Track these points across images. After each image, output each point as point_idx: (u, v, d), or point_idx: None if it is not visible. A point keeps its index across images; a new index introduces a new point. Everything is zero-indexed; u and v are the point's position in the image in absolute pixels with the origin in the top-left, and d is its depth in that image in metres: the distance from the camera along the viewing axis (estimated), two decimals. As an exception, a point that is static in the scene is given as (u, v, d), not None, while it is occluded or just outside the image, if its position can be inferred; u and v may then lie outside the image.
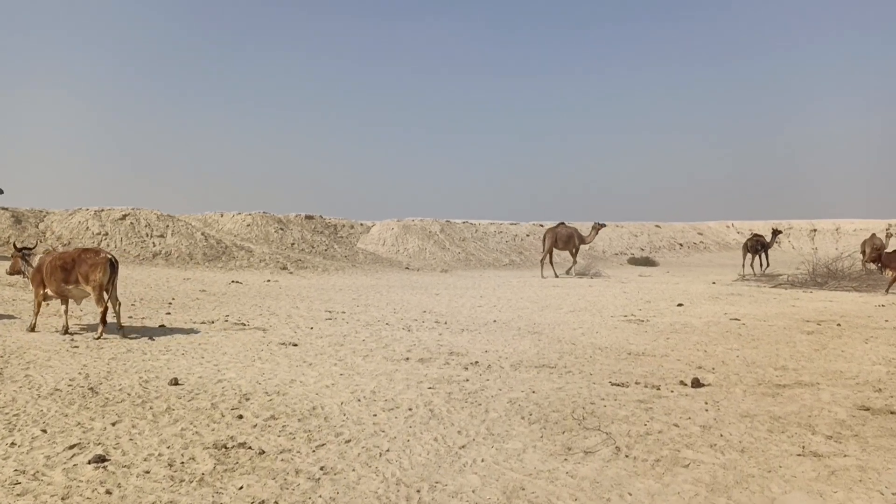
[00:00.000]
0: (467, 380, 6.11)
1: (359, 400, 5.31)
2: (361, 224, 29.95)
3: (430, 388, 5.76)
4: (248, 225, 22.27)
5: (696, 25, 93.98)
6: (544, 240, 21.69)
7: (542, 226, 38.05)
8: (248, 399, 5.28)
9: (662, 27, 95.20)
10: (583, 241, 21.72)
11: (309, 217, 26.42)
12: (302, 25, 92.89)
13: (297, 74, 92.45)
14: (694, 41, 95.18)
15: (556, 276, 20.97)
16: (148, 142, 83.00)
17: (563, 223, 21.95)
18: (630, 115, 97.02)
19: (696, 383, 5.97)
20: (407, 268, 24.18)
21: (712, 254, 39.72)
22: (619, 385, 5.95)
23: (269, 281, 16.18)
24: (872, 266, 18.84)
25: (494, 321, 10.41)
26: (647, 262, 32.53)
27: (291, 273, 18.07)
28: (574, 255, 21.94)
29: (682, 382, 6.07)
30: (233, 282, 15.28)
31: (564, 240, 21.32)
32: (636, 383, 6.04)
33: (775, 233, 23.99)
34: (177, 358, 6.86)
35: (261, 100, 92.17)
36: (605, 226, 22.73)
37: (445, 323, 10.05)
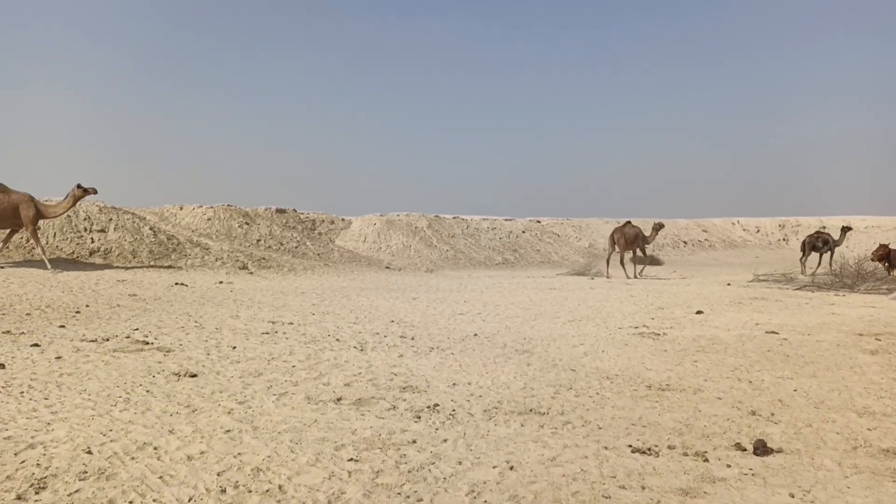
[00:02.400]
0: (414, 441, 4.06)
1: (223, 490, 3.25)
2: (343, 219, 27.74)
3: (351, 459, 3.70)
4: (209, 219, 19.96)
5: (696, 25, 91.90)
6: (611, 239, 20.64)
7: (539, 222, 36.04)
8: (41, 488, 3.21)
9: (664, 27, 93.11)
10: (646, 240, 20.75)
11: (280, 211, 24.10)
12: (279, 15, 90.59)
13: (290, 67, 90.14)
14: (694, 41, 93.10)
15: (627, 277, 20.04)
16: (120, 131, 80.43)
17: (629, 222, 20.83)
18: (632, 112, 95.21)
19: (763, 448, 3.92)
20: (388, 267, 22.03)
21: (718, 252, 37.72)
22: (643, 452, 3.89)
23: (221, 283, 14.06)
24: (878, 264, 17.09)
25: (475, 335, 8.37)
26: (652, 260, 30.48)
27: (251, 273, 15.92)
28: (637, 255, 21.08)
29: (738, 445, 4.02)
30: (176, 283, 13.17)
31: (631, 239, 20.28)
32: (669, 447, 3.99)
33: (845, 230, 22.18)
34: (8, 400, 4.78)
35: (244, 92, 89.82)
36: (663, 226, 21.88)
37: (412, 338, 8.00)
